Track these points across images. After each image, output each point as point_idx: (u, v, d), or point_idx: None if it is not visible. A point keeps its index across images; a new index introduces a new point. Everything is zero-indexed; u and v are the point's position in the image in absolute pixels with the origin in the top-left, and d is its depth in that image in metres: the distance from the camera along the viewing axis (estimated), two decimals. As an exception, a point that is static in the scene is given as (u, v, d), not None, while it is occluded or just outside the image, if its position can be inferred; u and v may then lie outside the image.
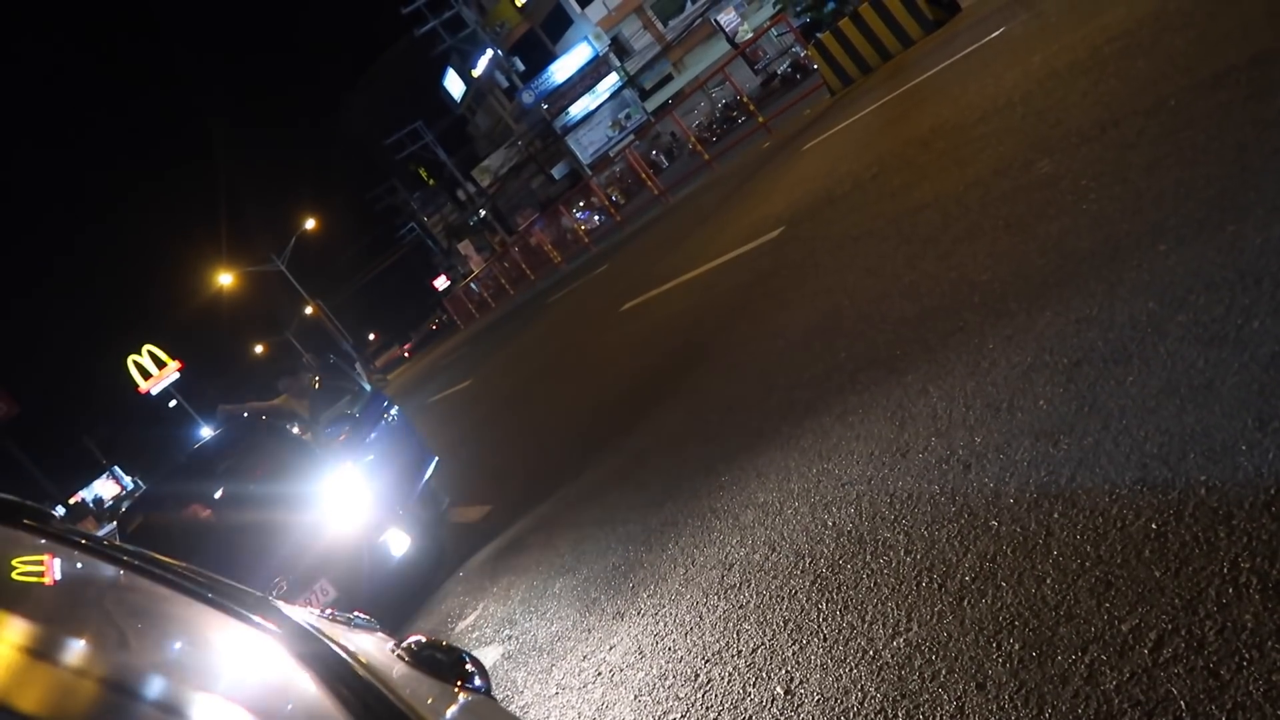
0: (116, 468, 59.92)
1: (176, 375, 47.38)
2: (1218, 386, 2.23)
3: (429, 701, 0.85)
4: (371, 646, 1.09)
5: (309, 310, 45.03)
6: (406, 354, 58.61)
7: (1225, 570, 1.76)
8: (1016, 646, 1.96)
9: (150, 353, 46.24)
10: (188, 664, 0.65)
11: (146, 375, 46.36)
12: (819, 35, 15.28)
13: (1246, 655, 1.59)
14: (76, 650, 0.56)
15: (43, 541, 0.88)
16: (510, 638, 4.11)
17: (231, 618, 0.92)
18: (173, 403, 51.21)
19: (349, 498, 5.61)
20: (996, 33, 9.11)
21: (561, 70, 42.90)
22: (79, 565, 0.84)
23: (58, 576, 0.74)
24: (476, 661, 1.09)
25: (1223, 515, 1.88)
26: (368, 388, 7.52)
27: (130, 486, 53.13)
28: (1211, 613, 1.71)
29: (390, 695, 0.70)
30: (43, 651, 0.54)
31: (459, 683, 0.99)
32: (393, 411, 7.35)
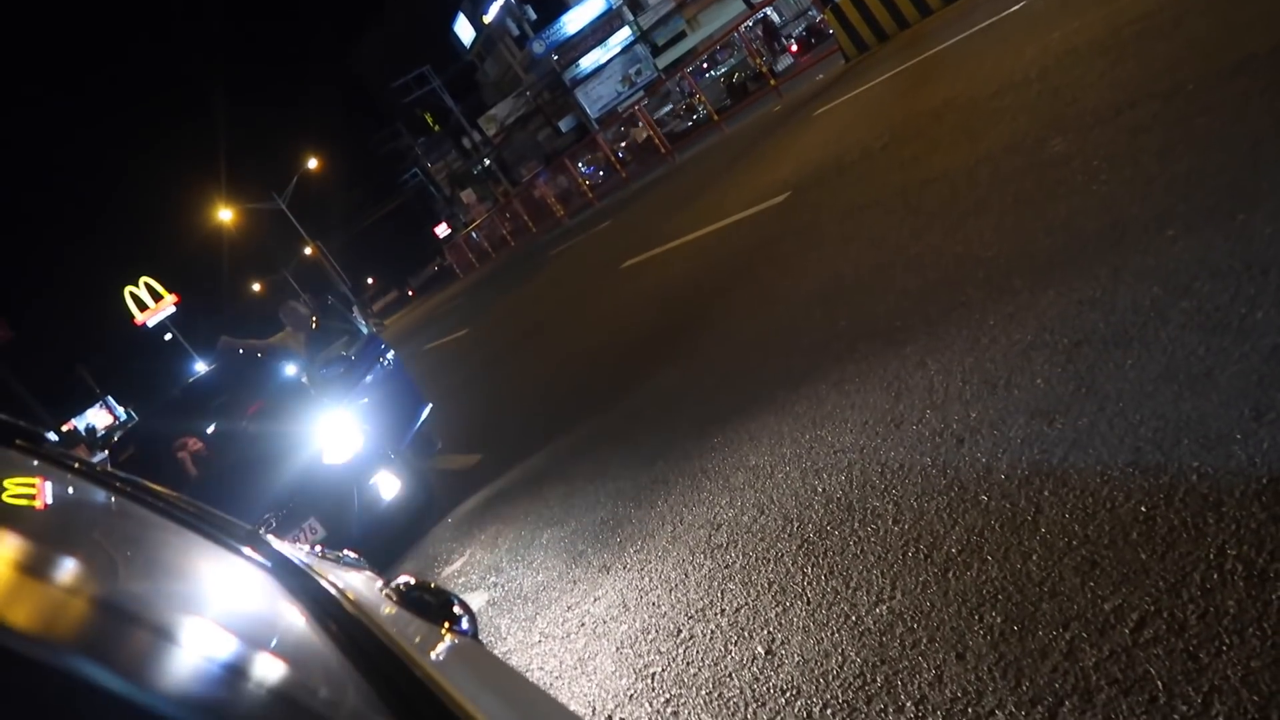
0: (110, 398, 59.99)
1: (173, 309, 47.28)
2: (1217, 375, 2.23)
3: (416, 641, 0.85)
4: (360, 585, 1.10)
5: (308, 251, 44.82)
6: (410, 294, 58.83)
7: (1211, 556, 1.77)
8: (999, 620, 1.98)
9: (148, 285, 46.09)
10: (178, 591, 0.65)
11: (143, 307, 46.25)
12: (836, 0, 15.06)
13: (1227, 641, 1.60)
14: (67, 570, 0.56)
15: (35, 463, 0.88)
16: (496, 585, 4.14)
17: (222, 549, 0.92)
18: (168, 336, 51.17)
19: (341, 439, 5.62)
20: (1017, 6, 8.98)
21: (574, 21, 42.31)
22: (71, 489, 0.84)
23: (49, 499, 0.74)
24: (464, 605, 1.10)
25: (1212, 502, 1.89)
26: (365, 330, 7.50)
27: (123, 417, 53.21)
28: (1195, 597, 1.72)
29: (378, 632, 0.70)
30: (33, 570, 0.54)
31: (446, 625, 1.00)
32: (389, 356, 7.35)
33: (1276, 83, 3.46)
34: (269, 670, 0.51)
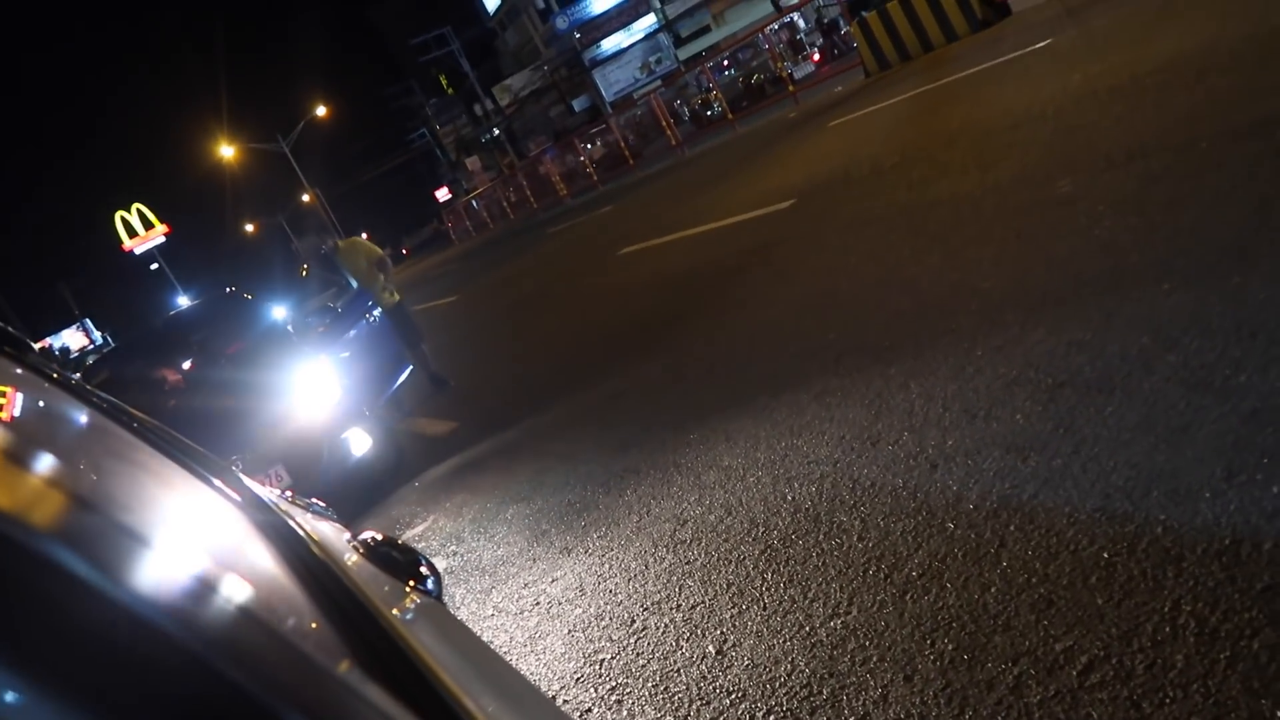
0: (88, 320, 59.47)
1: (163, 239, 46.87)
2: (1194, 432, 2.24)
3: (381, 594, 0.85)
4: (329, 533, 1.09)
5: (306, 198, 44.50)
6: (405, 252, 58.68)
7: (1166, 609, 1.79)
8: (950, 647, 1.99)
9: (140, 212, 45.65)
10: (151, 505, 0.64)
11: (133, 234, 45.83)
12: (864, 13, 15.05)
13: (1170, 694, 1.62)
14: (46, 466, 0.55)
15: (18, 371, 0.87)
16: (455, 554, 4.14)
17: (194, 477, 0.91)
18: (154, 266, 50.75)
19: (318, 390, 5.60)
20: (1042, 43, 9.00)
21: (600, 1, 42.09)
22: (52, 399, 0.83)
23: (29, 405, 0.73)
24: (431, 566, 1.10)
25: (1174, 556, 1.91)
26: (354, 284, 7.46)
27: (99, 341, 52.73)
28: (1145, 647, 1.74)
29: (345, 579, 0.70)
30: (12, 460, 0.53)
31: (411, 583, 1.00)
32: (375, 313, 7.32)
33: (1288, 151, 3.48)
34: (238, 591, 0.50)
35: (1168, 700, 1.61)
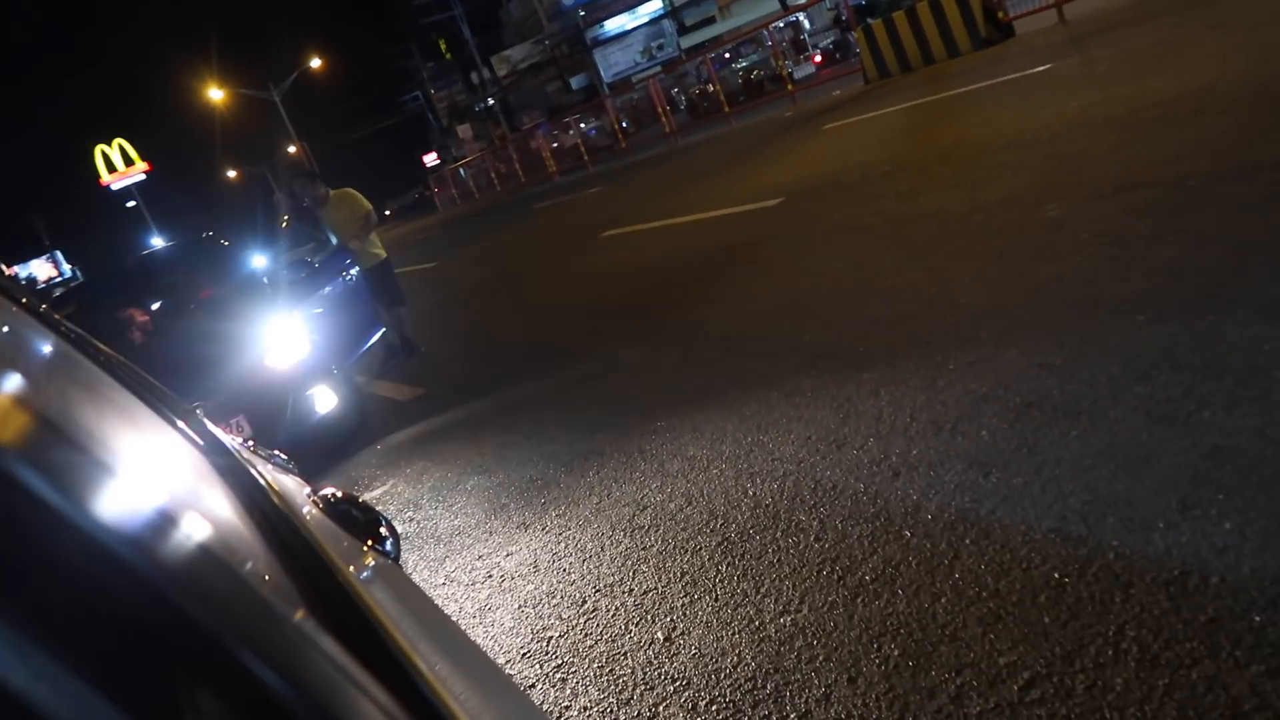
0: (58, 252, 58.43)
1: (142, 177, 46.17)
2: (1154, 463, 2.28)
3: (339, 550, 0.84)
4: (290, 485, 1.08)
5: (292, 149, 43.92)
6: (389, 214, 58.05)
7: (1110, 633, 1.82)
8: (896, 652, 2.01)
9: (121, 147, 44.91)
10: (115, 435, 0.63)
11: (112, 169, 45.08)
12: (870, 20, 15.07)
13: (1107, 716, 1.65)
14: (11, 383, 0.54)
15: None
16: (412, 520, 4.12)
17: (158, 416, 0.89)
18: (131, 203, 49.97)
19: (288, 343, 5.54)
20: (1043, 67, 9.05)
21: (608, -19, 41.83)
22: (19, 324, 0.81)
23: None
24: (391, 527, 1.09)
25: (1123, 582, 1.94)
26: (334, 241, 7.39)
27: (67, 275, 51.88)
28: (1086, 668, 1.76)
29: (304, 531, 0.69)
30: None
31: (370, 542, 0.99)
32: (353, 271, 7.25)
33: (1274, 195, 3.53)
34: (197, 529, 0.49)
35: (1104, 722, 1.64)
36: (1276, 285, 2.87)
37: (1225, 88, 5.34)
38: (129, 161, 45.19)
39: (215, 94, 40.72)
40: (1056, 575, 2.04)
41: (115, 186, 45.46)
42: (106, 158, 44.74)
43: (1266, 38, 6.26)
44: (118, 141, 44.88)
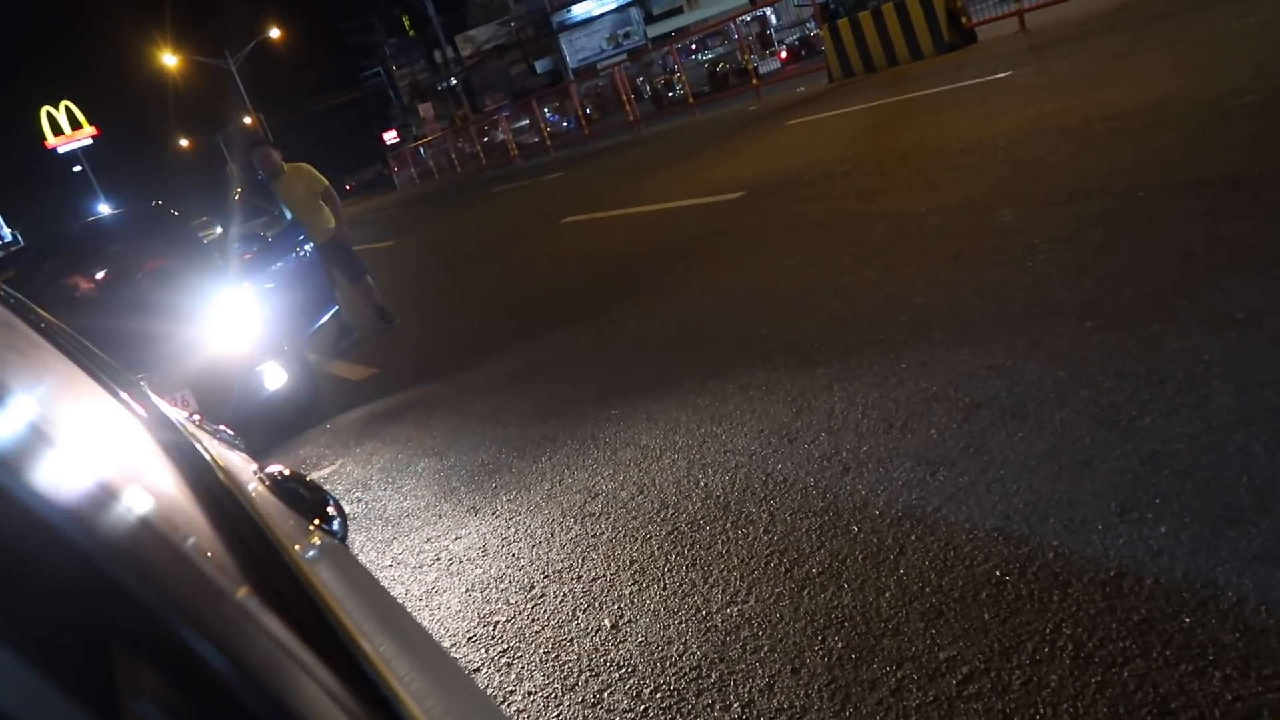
0: (-1, 216, 56.63)
1: (89, 141, 44.96)
2: (1095, 466, 2.33)
3: (284, 529, 0.82)
4: (236, 461, 1.06)
5: (248, 121, 43.05)
6: (349, 188, 57.09)
7: (1047, 630, 1.86)
8: (840, 645, 2.04)
9: (69, 110, 43.65)
10: (55, 406, 0.61)
11: (58, 131, 43.81)
12: (837, 19, 15.16)
13: (1041, 711, 1.68)
14: None
15: None
16: (360, 500, 4.08)
17: (100, 387, 0.87)
18: (77, 168, 48.64)
19: (237, 318, 5.43)
20: (1003, 74, 9.19)
21: (577, -34, 41.57)
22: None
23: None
24: (339, 507, 1.07)
25: (1061, 581, 1.98)
26: (289, 216, 7.25)
27: (7, 238, 50.32)
28: (1023, 664, 1.80)
29: (249, 509, 0.68)
30: None
31: (317, 522, 0.97)
32: (307, 247, 7.13)
33: (1220, 210, 3.62)
34: (138, 502, 0.48)
35: (1037, 717, 1.67)
36: (1220, 296, 2.95)
37: (1176, 104, 5.46)
38: (76, 125, 43.97)
39: (169, 60, 39.76)
40: (998, 573, 2.08)
41: (61, 150, 44.21)
42: (53, 119, 43.48)
43: (1218, 55, 6.41)
44: (65, 103, 43.64)
